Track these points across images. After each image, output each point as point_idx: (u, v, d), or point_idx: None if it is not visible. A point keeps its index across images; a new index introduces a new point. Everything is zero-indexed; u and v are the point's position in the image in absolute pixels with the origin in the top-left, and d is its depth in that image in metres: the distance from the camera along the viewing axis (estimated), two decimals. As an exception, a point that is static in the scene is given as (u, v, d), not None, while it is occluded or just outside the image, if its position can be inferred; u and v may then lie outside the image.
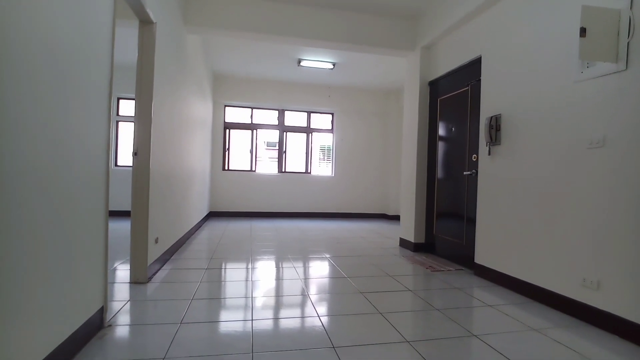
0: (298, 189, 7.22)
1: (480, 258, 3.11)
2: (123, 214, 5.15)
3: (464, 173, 3.44)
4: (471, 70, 3.39)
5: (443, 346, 1.77)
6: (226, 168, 7.05)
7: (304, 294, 2.52)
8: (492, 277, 2.93)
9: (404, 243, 4.38)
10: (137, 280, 2.59)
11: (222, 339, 1.78)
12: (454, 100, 3.70)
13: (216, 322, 2.00)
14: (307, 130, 7.43)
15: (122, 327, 1.88)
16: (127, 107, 6.44)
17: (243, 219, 6.70)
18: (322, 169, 7.61)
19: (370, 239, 4.94)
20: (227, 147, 7.07)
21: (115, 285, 2.55)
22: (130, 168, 2.61)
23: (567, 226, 2.27)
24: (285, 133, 7.30)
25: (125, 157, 6.43)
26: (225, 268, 3.17)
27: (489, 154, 3.01)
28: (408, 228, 4.30)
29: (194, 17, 3.73)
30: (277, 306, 2.29)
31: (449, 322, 2.08)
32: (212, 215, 6.78)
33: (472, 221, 3.28)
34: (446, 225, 3.80)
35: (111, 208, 2.57)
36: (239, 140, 7.18)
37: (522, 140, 2.68)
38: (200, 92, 5.01)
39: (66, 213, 1.45)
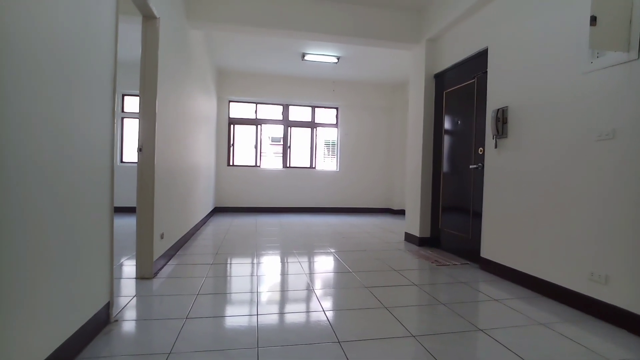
0: (303, 184, 7.21)
1: (486, 252, 3.08)
2: (130, 210, 5.21)
3: (470, 166, 3.40)
4: (477, 62, 3.34)
5: (449, 341, 1.76)
6: (231, 163, 7.06)
7: (309, 289, 2.53)
8: (498, 271, 2.91)
9: (409, 237, 4.36)
10: (143, 276, 2.61)
11: (228, 333, 1.79)
12: (459, 93, 3.65)
13: (222, 317, 2.01)
14: (312, 125, 7.41)
15: (128, 323, 1.90)
16: (132, 104, 6.46)
17: (248, 214, 6.72)
18: (327, 163, 7.59)
19: (375, 233, 4.93)
20: (231, 142, 7.07)
21: (122, 280, 2.57)
22: (136, 164, 2.62)
23: (574, 219, 2.24)
24: (289, 128, 7.28)
25: (131, 153, 6.47)
26: (230, 263, 3.18)
27: (496, 146, 2.97)
28: (413, 222, 4.28)
29: (196, 11, 3.71)
30: (282, 301, 2.30)
31: (455, 316, 2.07)
32: (218, 210, 6.81)
33: (478, 215, 3.25)
34: (452, 220, 3.77)
35: (117, 204, 2.59)
36: (243, 135, 7.18)
37: (529, 132, 2.64)
38: (205, 88, 5.01)
39: (71, 209, 1.46)
